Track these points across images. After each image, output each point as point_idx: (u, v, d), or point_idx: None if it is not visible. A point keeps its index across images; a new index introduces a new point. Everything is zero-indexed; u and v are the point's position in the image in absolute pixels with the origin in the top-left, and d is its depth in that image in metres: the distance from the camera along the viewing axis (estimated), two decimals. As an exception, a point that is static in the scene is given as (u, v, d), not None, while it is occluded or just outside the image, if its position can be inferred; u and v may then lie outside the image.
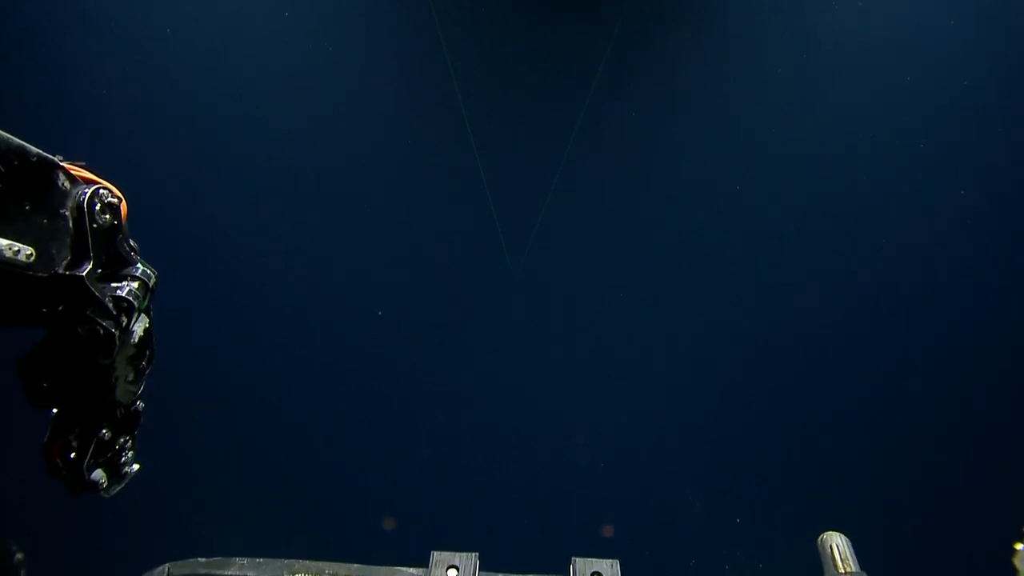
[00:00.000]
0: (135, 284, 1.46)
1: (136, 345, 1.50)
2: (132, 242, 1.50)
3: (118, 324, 1.40)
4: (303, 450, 6.05)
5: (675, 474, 6.15)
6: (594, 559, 2.75)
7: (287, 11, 5.73)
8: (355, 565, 2.74)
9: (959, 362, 5.89)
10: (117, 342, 1.39)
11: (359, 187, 6.05)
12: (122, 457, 1.55)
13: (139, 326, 1.50)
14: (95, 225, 1.36)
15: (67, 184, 1.33)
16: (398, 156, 6.08)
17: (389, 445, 6.13)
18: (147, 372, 1.56)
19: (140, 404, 1.58)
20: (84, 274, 1.32)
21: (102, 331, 1.36)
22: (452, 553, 2.70)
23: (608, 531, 6.15)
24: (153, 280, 1.52)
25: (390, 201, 6.10)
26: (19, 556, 3.64)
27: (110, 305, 1.39)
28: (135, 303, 1.44)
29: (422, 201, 6.13)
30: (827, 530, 2.92)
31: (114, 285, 1.43)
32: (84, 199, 1.34)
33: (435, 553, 2.73)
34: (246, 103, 5.78)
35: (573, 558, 2.82)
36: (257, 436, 6.00)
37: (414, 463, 6.15)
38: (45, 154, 1.28)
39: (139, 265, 1.50)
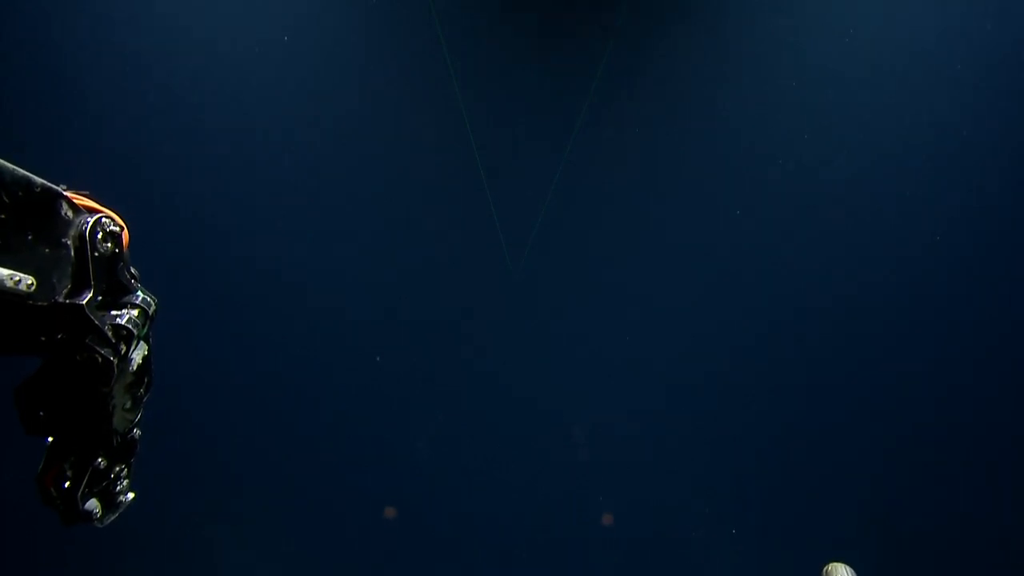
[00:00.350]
0: (135, 312, 1.45)
1: (134, 373, 1.48)
2: (133, 269, 1.49)
3: (117, 352, 1.39)
4: (302, 450, 6.07)
5: (675, 475, 6.17)
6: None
7: (286, 34, 5.72)
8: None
9: (961, 366, 5.90)
10: (115, 370, 1.38)
11: (359, 187, 6.05)
12: (117, 486, 1.53)
13: (138, 354, 1.48)
14: (96, 254, 1.35)
15: (70, 213, 1.32)
16: (398, 156, 6.07)
17: (388, 446, 6.14)
18: (145, 399, 1.55)
19: (137, 432, 1.56)
20: (84, 303, 1.31)
21: (100, 359, 1.35)
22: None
23: (608, 519, 6.18)
24: (153, 308, 1.50)
25: (390, 201, 6.10)
26: None
27: (109, 333, 1.37)
28: (134, 331, 1.43)
29: (422, 201, 6.13)
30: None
31: (114, 313, 1.42)
32: (86, 228, 1.33)
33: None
34: (244, 104, 5.76)
35: None
36: (257, 436, 6.02)
37: (413, 463, 6.17)
38: (49, 184, 1.28)
39: (139, 293, 1.48)
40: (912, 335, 5.97)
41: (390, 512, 6.11)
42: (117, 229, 1.40)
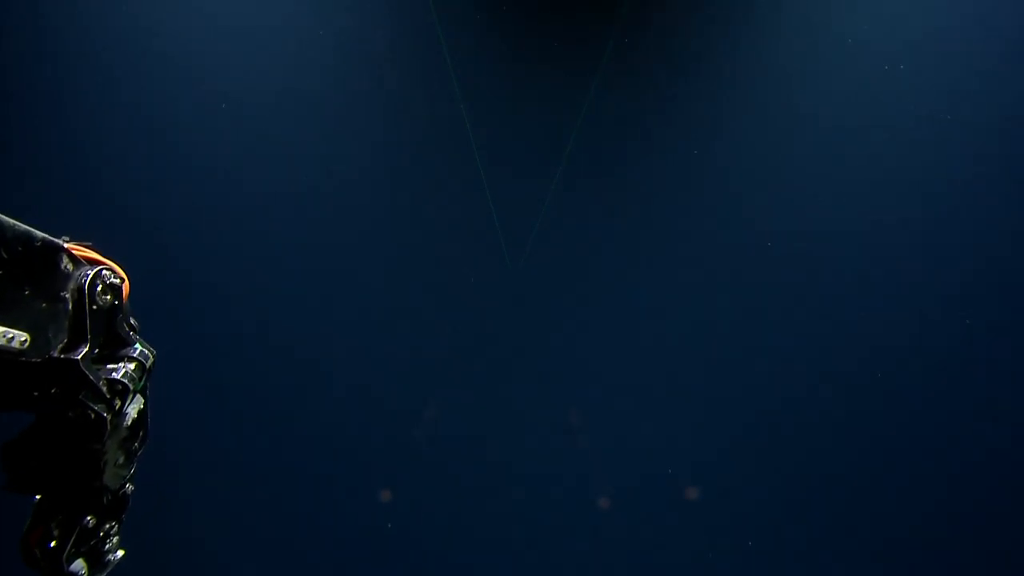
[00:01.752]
0: (131, 365, 1.43)
1: (129, 428, 1.46)
2: (133, 320, 1.48)
3: (111, 408, 1.37)
4: (301, 446, 6.10)
5: (676, 474, 6.18)
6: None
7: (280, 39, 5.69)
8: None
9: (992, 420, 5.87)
10: (109, 426, 1.36)
11: (357, 187, 6.03)
12: (106, 544, 1.50)
13: (133, 408, 1.46)
14: (95, 307, 1.34)
15: (70, 266, 1.31)
16: (397, 156, 6.06)
17: (388, 444, 6.15)
18: (139, 454, 1.53)
19: (129, 487, 1.53)
20: (79, 358, 1.30)
21: (93, 415, 1.33)
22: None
23: (605, 503, 6.20)
24: (151, 360, 1.49)
25: (389, 201, 6.10)
26: None
27: (104, 388, 1.35)
28: (130, 386, 1.41)
29: (421, 201, 6.12)
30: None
31: (110, 367, 1.40)
32: (86, 281, 1.32)
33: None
34: (243, 104, 5.75)
35: None
36: (255, 431, 6.05)
37: (412, 463, 6.17)
38: (50, 238, 1.27)
39: (137, 345, 1.47)
40: (925, 351, 5.94)
41: (385, 495, 6.12)
42: (118, 281, 1.39)
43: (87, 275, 1.32)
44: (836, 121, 5.81)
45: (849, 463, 6.01)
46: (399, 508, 6.12)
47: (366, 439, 6.10)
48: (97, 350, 1.37)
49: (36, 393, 1.27)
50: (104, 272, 1.36)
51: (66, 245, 1.31)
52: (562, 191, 6.11)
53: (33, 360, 1.23)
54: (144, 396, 1.50)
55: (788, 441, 6.07)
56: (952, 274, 5.82)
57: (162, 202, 5.72)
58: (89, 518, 1.42)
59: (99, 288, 1.34)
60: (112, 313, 1.39)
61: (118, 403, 1.39)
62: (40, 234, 1.24)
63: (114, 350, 1.43)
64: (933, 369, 5.88)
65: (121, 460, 1.46)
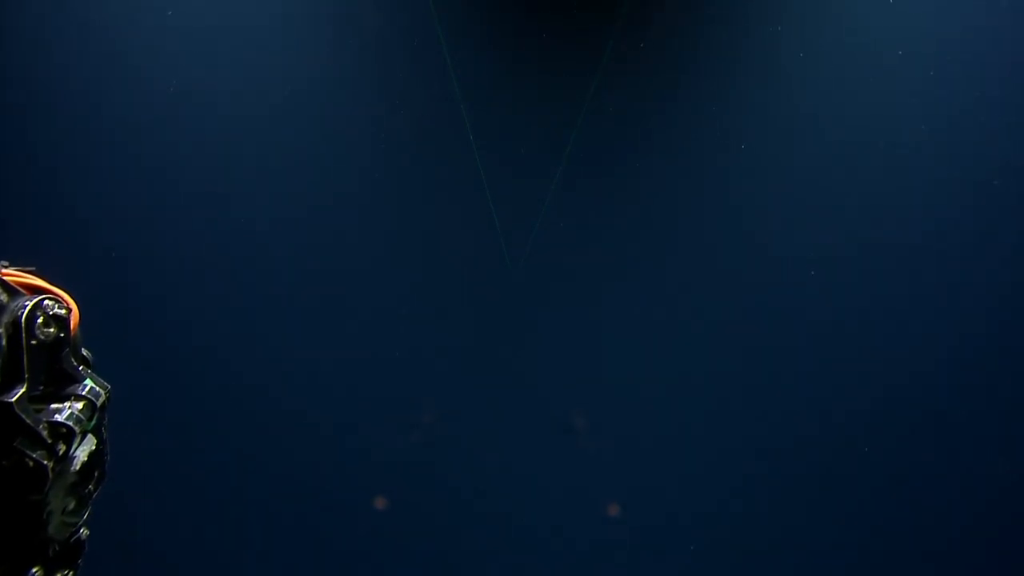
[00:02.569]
0: (79, 405, 1.30)
1: (78, 472, 1.32)
2: (85, 352, 1.38)
3: (52, 454, 1.23)
4: (289, 453, 6.10)
5: (676, 478, 6.15)
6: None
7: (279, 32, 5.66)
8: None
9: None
10: (50, 475, 1.22)
11: (357, 187, 6.04)
12: None
13: (83, 451, 1.32)
14: (34, 342, 1.22)
15: (4, 298, 1.21)
16: (396, 156, 6.05)
17: (381, 451, 6.16)
18: (95, 495, 1.40)
19: (84, 532, 1.40)
20: (14, 400, 1.17)
21: (32, 463, 1.20)
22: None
23: (614, 510, 6.18)
24: (103, 398, 1.35)
25: (388, 201, 6.09)
26: None
27: (44, 433, 1.22)
28: (76, 428, 1.28)
29: (421, 201, 6.11)
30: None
31: (53, 407, 1.27)
32: (23, 314, 1.21)
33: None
34: (242, 104, 5.76)
35: None
36: (254, 430, 6.06)
37: (408, 468, 6.18)
38: None
39: (87, 382, 1.34)
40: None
41: (380, 503, 6.14)
42: (63, 312, 1.28)
43: (24, 307, 1.20)
44: (838, 121, 5.73)
45: (849, 462, 5.94)
46: (396, 511, 6.13)
47: (363, 441, 6.12)
48: (41, 387, 1.26)
49: None
50: (46, 302, 1.24)
51: (1, 272, 1.23)
52: (562, 191, 6.07)
53: None
54: (97, 435, 1.37)
55: (791, 442, 6.01)
56: (967, 278, 5.73)
57: (143, 210, 5.73)
58: (35, 570, 1.28)
59: (39, 320, 1.23)
60: (56, 347, 1.27)
61: (62, 448, 1.25)
62: None
63: (59, 388, 1.30)
64: (933, 368, 5.81)
65: (71, 506, 1.33)
